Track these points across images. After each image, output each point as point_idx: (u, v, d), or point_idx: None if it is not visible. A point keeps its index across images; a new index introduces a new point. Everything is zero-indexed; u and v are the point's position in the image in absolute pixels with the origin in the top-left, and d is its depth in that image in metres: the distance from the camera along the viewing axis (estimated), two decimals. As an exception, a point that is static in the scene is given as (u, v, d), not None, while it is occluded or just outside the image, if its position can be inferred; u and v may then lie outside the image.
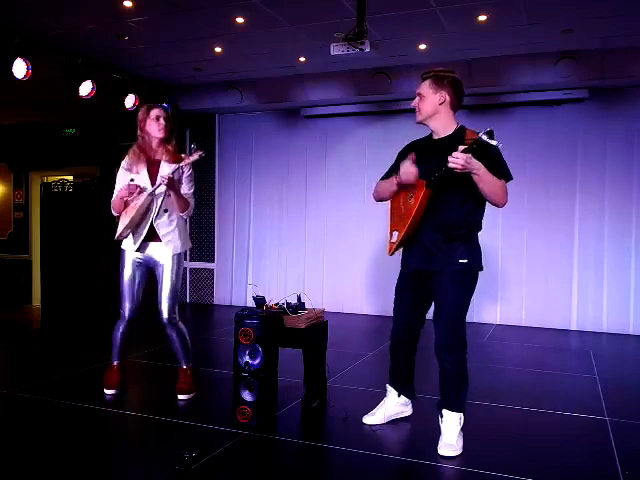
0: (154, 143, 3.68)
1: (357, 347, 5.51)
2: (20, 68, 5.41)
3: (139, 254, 3.69)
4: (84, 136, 8.81)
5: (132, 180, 3.65)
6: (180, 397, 3.76)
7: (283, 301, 3.65)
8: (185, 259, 3.76)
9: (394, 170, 3.11)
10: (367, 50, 4.70)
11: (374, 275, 7.35)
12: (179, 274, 3.71)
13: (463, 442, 2.99)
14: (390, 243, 3.05)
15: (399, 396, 3.39)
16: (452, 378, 3.03)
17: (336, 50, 4.81)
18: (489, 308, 7.00)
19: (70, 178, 8.61)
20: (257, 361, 3.24)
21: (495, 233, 6.94)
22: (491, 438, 3.24)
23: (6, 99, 7.48)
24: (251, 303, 3.82)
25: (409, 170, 2.88)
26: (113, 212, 3.72)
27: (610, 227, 6.53)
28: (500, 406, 3.77)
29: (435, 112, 2.99)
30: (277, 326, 3.43)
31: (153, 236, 3.65)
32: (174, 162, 3.57)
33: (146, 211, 3.58)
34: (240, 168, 8.13)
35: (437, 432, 3.04)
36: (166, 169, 3.56)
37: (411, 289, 3.16)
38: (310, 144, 7.74)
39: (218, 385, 4.23)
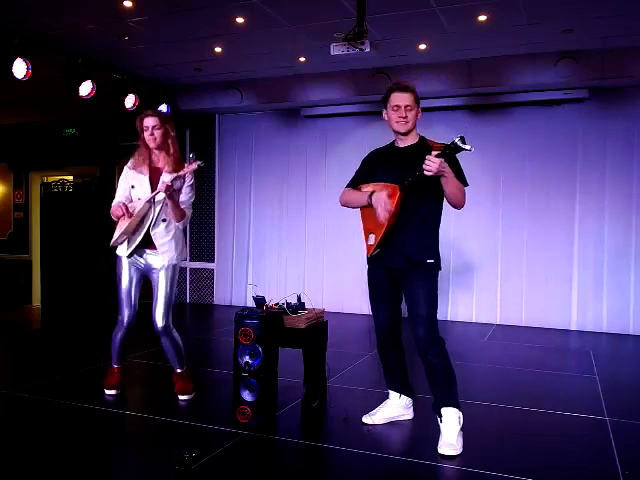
0: (155, 151, 3.68)
1: (357, 347, 5.51)
2: (20, 68, 5.41)
3: (136, 261, 3.69)
4: (84, 136, 8.81)
5: (133, 187, 3.65)
6: (181, 398, 3.76)
7: (283, 301, 3.65)
8: (185, 259, 3.76)
9: (362, 178, 3.25)
10: (367, 50, 4.70)
11: (374, 275, 7.34)
12: (173, 284, 3.71)
13: (463, 442, 2.99)
14: (368, 245, 3.16)
15: (400, 397, 3.41)
16: (441, 372, 3.07)
17: (336, 50, 4.81)
18: (489, 308, 7.00)
19: (70, 178, 8.61)
20: (257, 361, 3.24)
21: (495, 233, 6.95)
22: (491, 438, 3.24)
23: (6, 99, 7.48)
24: (251, 303, 3.82)
25: (388, 209, 2.97)
26: (112, 216, 3.70)
27: (610, 227, 6.53)
28: (500, 406, 3.77)
29: (415, 125, 3.16)
30: (277, 326, 3.43)
31: (149, 243, 3.63)
32: (175, 171, 3.56)
33: (143, 218, 3.58)
34: (240, 168, 8.14)
35: (437, 432, 3.04)
36: (167, 178, 3.54)
37: (386, 285, 3.23)
38: (310, 144, 7.74)
39: (218, 385, 4.23)
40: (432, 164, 2.79)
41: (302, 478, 2.80)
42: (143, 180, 3.63)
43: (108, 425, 3.40)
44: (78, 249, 6.87)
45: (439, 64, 6.42)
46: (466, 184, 3.07)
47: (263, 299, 3.58)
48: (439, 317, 3.15)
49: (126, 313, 3.73)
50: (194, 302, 8.43)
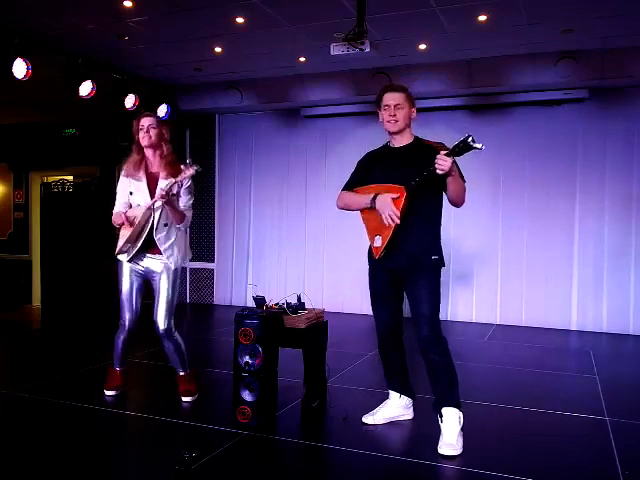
0: (150, 153, 3.67)
1: (357, 347, 5.51)
2: (20, 68, 5.41)
3: (137, 265, 3.69)
4: (84, 136, 8.80)
5: (131, 193, 3.64)
6: (185, 399, 3.75)
7: (283, 301, 3.65)
8: (189, 260, 3.77)
9: (359, 180, 3.24)
10: (367, 50, 4.70)
11: (374, 275, 7.34)
12: (176, 288, 3.70)
13: (463, 442, 2.99)
14: (375, 247, 3.15)
15: (400, 397, 3.41)
16: (443, 371, 3.07)
17: (336, 50, 4.81)
18: (489, 308, 7.00)
19: (70, 178, 8.60)
20: (257, 361, 3.24)
21: (495, 233, 6.95)
22: (491, 438, 3.24)
23: (6, 99, 7.48)
24: (251, 303, 3.82)
25: (396, 213, 2.94)
26: (113, 224, 3.70)
27: (610, 227, 6.53)
28: (500, 406, 3.77)
29: (408, 124, 3.16)
30: (277, 326, 3.43)
31: (150, 248, 3.63)
32: (171, 176, 3.54)
33: (144, 224, 3.58)
34: (240, 168, 8.13)
35: (437, 432, 3.04)
36: (164, 183, 3.54)
37: (388, 285, 3.23)
38: (310, 144, 7.74)
39: (218, 385, 4.23)
40: (445, 163, 2.78)
41: (302, 478, 2.80)
42: (141, 186, 3.63)
43: (108, 425, 3.40)
44: (78, 249, 6.87)
45: (439, 64, 6.42)
46: (464, 180, 3.08)
47: (263, 299, 3.58)
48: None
49: (127, 317, 3.73)
50: (194, 302, 8.43)
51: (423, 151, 3.03)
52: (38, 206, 8.08)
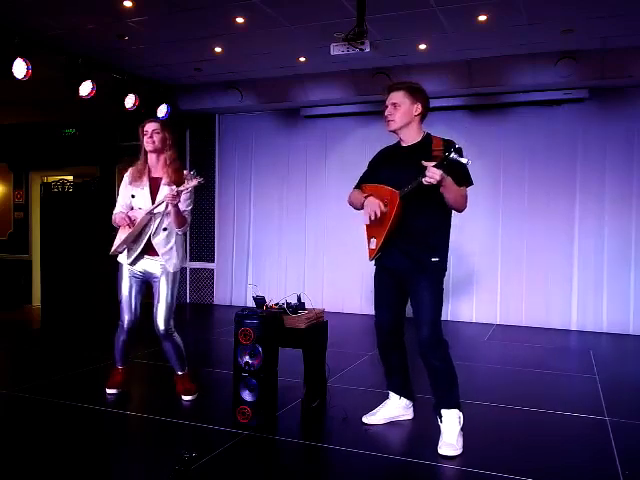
0: (153, 159, 3.70)
1: (357, 347, 5.51)
2: (20, 68, 5.41)
3: (136, 268, 3.72)
4: (84, 136, 8.81)
5: (133, 196, 3.68)
6: (185, 398, 3.77)
7: (283, 301, 3.65)
8: (180, 268, 3.82)
9: (367, 179, 3.25)
10: (367, 50, 4.70)
11: (374, 275, 7.33)
12: (174, 290, 3.73)
13: (463, 442, 2.99)
14: (370, 249, 3.16)
15: (400, 399, 3.41)
16: (442, 375, 3.05)
17: (336, 50, 4.81)
18: (489, 308, 7.00)
19: (70, 178, 8.61)
20: (257, 361, 3.24)
21: (495, 233, 6.95)
22: (491, 438, 3.24)
23: (6, 99, 7.48)
24: (251, 303, 3.83)
25: (376, 213, 2.95)
26: (114, 224, 3.75)
27: (610, 227, 6.53)
28: (500, 406, 3.77)
29: (409, 122, 3.09)
30: (277, 326, 3.43)
31: (149, 250, 3.67)
32: (174, 183, 3.58)
33: (143, 228, 3.62)
34: (240, 168, 8.13)
35: (437, 432, 3.04)
36: (165, 190, 3.57)
37: (391, 287, 3.22)
38: (310, 144, 7.74)
39: (218, 385, 4.23)
40: (434, 175, 2.74)
41: (302, 478, 2.80)
42: (143, 191, 3.67)
43: (108, 425, 3.40)
44: (78, 249, 6.87)
45: (439, 64, 6.42)
46: (470, 183, 3.02)
47: (263, 299, 3.58)
48: (439, 317, 3.14)
49: (127, 318, 3.76)
50: (194, 302, 8.43)
51: (428, 149, 2.97)
52: (38, 206, 8.09)
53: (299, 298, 3.71)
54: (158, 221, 3.62)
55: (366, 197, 3.07)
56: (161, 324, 3.66)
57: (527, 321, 6.83)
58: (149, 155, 3.70)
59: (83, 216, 6.90)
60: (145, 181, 3.67)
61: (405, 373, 3.40)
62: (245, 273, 8.14)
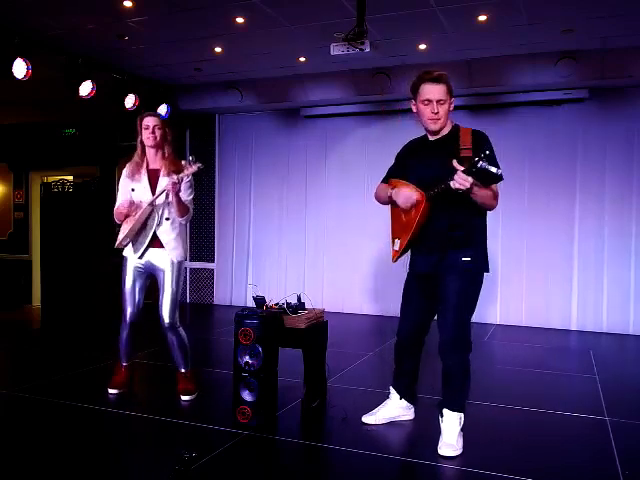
0: (151, 152, 3.74)
1: (357, 347, 5.51)
2: (20, 68, 5.41)
3: (140, 261, 3.74)
4: (84, 136, 8.81)
5: (133, 190, 3.71)
6: (184, 398, 3.76)
7: (283, 301, 3.65)
8: (185, 259, 3.83)
9: (394, 173, 3.16)
10: (367, 50, 4.70)
11: (374, 275, 7.35)
12: (179, 281, 3.76)
13: (463, 442, 2.99)
14: (393, 251, 3.09)
15: (401, 399, 3.40)
16: (455, 379, 3.03)
17: (336, 50, 4.81)
18: (489, 308, 6.99)
19: (70, 178, 8.61)
20: (257, 361, 3.24)
21: (495, 233, 6.94)
22: (491, 438, 3.24)
23: (6, 99, 7.48)
24: (251, 303, 3.82)
25: (411, 200, 2.88)
26: (115, 220, 3.79)
27: (610, 227, 6.53)
28: (500, 406, 3.77)
29: (447, 118, 2.96)
30: (277, 326, 3.43)
31: (154, 242, 3.69)
32: (173, 172, 3.60)
33: (146, 220, 3.64)
34: (240, 168, 8.13)
35: (437, 432, 3.04)
36: (165, 181, 3.59)
37: (419, 293, 3.16)
38: (310, 144, 7.74)
39: (218, 385, 4.23)
40: (464, 183, 2.63)
41: (302, 478, 2.80)
42: (142, 183, 3.70)
43: (108, 425, 3.40)
44: (78, 249, 6.87)
45: (439, 64, 6.40)
46: (500, 178, 2.73)
47: (263, 299, 3.58)
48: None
49: (129, 311, 3.79)
50: (194, 302, 8.43)
51: (456, 144, 2.83)
52: (38, 206, 8.09)
53: (299, 298, 3.71)
54: (160, 212, 3.65)
55: (394, 189, 2.97)
56: (166, 316, 3.67)
57: (527, 321, 6.82)
58: (147, 149, 3.72)
59: (83, 216, 6.90)
60: (144, 174, 3.70)
61: (414, 377, 3.38)
62: (245, 273, 8.14)
